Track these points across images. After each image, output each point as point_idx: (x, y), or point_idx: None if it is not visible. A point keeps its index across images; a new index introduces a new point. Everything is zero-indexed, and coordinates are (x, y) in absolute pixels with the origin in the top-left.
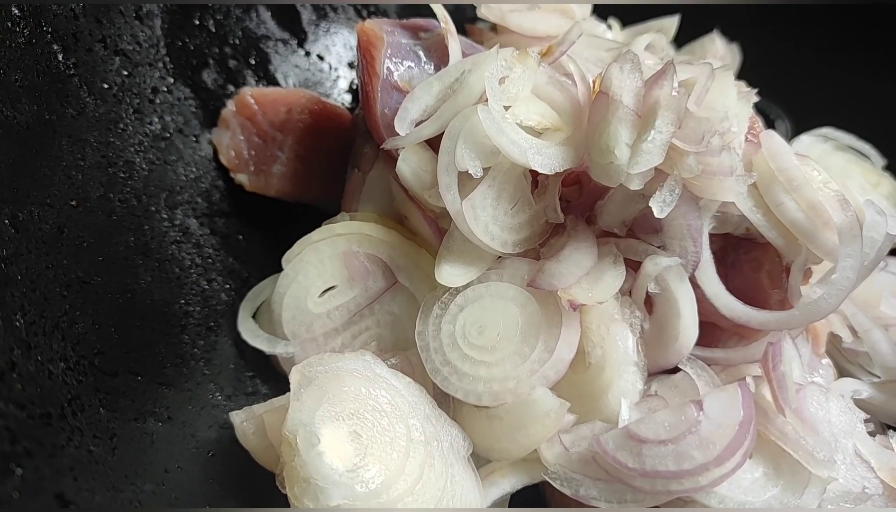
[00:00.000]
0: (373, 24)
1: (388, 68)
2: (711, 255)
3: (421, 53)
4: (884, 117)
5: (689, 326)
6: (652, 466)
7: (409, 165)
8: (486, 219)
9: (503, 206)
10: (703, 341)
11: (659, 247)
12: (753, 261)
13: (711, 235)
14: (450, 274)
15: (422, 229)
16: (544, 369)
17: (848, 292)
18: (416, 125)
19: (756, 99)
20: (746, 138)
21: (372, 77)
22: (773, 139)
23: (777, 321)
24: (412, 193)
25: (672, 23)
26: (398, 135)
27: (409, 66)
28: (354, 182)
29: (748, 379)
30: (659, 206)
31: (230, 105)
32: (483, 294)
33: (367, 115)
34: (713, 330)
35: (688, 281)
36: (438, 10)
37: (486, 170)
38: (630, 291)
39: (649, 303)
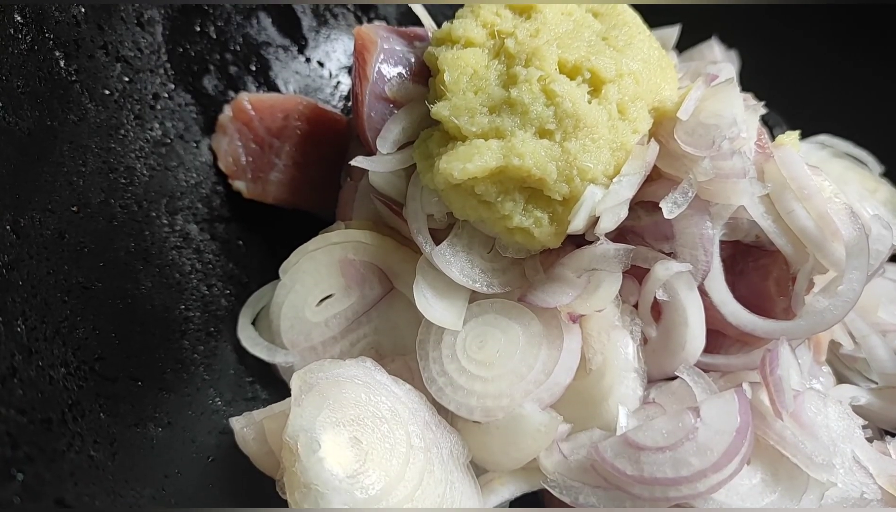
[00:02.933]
0: (369, 29)
1: (378, 72)
2: (721, 263)
3: (413, 61)
4: (881, 124)
5: (696, 336)
6: (650, 473)
7: (380, 175)
8: (460, 263)
9: (477, 251)
10: (706, 348)
11: (669, 254)
12: (762, 268)
13: (721, 243)
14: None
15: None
16: (539, 391)
17: (853, 305)
18: (399, 148)
19: (763, 111)
20: (755, 148)
21: (362, 80)
22: (785, 148)
23: (783, 330)
24: (394, 208)
25: (672, 33)
26: (380, 141)
27: (399, 73)
28: (348, 190)
29: (744, 385)
30: (669, 208)
31: (227, 110)
32: (488, 309)
33: (355, 117)
34: (716, 336)
35: (696, 290)
36: (424, 17)
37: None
38: (636, 304)
39: (656, 310)
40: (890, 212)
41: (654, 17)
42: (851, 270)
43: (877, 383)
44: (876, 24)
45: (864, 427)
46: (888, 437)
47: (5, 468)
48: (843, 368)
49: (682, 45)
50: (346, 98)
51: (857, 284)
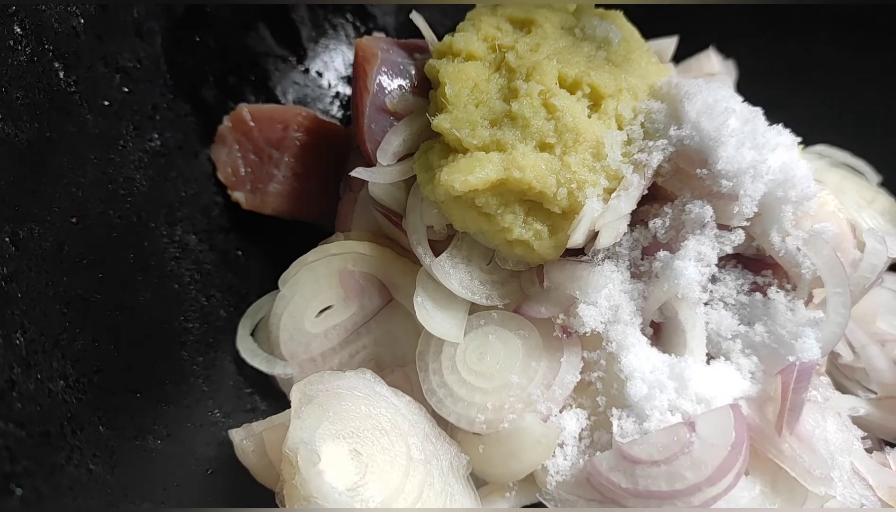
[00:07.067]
0: (370, 41)
1: (379, 84)
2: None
3: (413, 73)
4: (878, 133)
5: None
6: (645, 487)
7: (380, 187)
8: (460, 275)
9: (477, 263)
10: None
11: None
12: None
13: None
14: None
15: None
16: (539, 404)
17: (844, 326)
18: (399, 159)
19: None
20: None
21: (363, 92)
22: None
23: None
24: (394, 219)
25: (670, 44)
26: (380, 153)
27: (399, 85)
28: (347, 201)
29: (741, 402)
30: (664, 231)
31: (226, 121)
32: (488, 321)
33: (355, 128)
34: None
35: (698, 308)
36: (425, 30)
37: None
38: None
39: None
40: (888, 221)
41: (650, 28)
42: (833, 296)
43: (876, 394)
44: (874, 34)
45: (863, 438)
46: (888, 447)
47: (4, 483)
48: (843, 378)
49: (680, 55)
50: (345, 108)
51: (842, 308)
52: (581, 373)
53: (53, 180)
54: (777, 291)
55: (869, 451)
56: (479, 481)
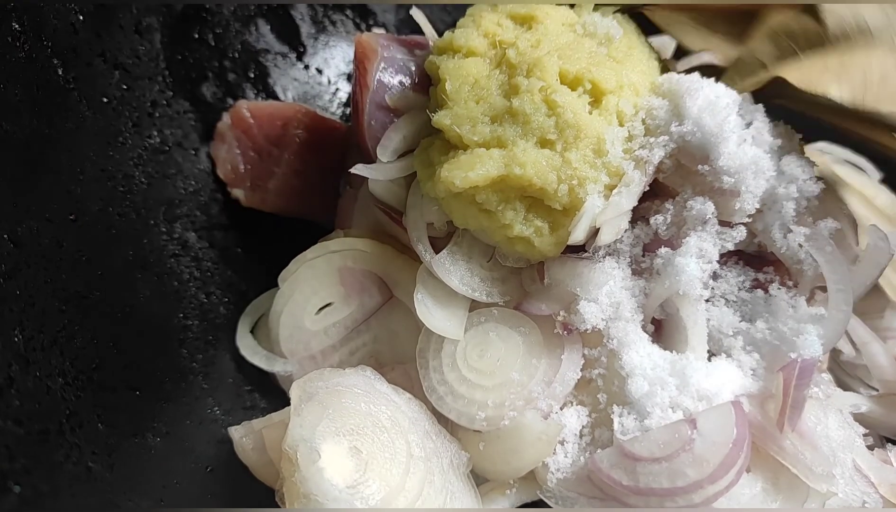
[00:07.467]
0: (369, 37)
1: (379, 81)
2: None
3: (414, 70)
4: None
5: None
6: (646, 484)
7: (380, 184)
8: (460, 272)
9: (477, 260)
10: None
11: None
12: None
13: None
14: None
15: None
16: (539, 401)
17: (846, 323)
18: (399, 156)
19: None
20: None
21: (362, 88)
22: None
23: None
24: (394, 216)
25: (671, 41)
26: (381, 150)
27: (399, 82)
28: (347, 198)
29: (743, 399)
30: (665, 227)
31: (226, 118)
32: (488, 318)
33: (355, 125)
34: None
35: (700, 305)
36: (425, 26)
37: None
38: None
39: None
40: (889, 218)
41: (652, 25)
42: (835, 293)
43: (878, 390)
44: None
45: (865, 435)
46: (889, 444)
47: (3, 481)
48: (844, 375)
49: (681, 53)
50: (345, 105)
51: (844, 304)
52: (582, 370)
53: (52, 177)
54: (779, 288)
55: (870, 448)
56: (479, 479)
